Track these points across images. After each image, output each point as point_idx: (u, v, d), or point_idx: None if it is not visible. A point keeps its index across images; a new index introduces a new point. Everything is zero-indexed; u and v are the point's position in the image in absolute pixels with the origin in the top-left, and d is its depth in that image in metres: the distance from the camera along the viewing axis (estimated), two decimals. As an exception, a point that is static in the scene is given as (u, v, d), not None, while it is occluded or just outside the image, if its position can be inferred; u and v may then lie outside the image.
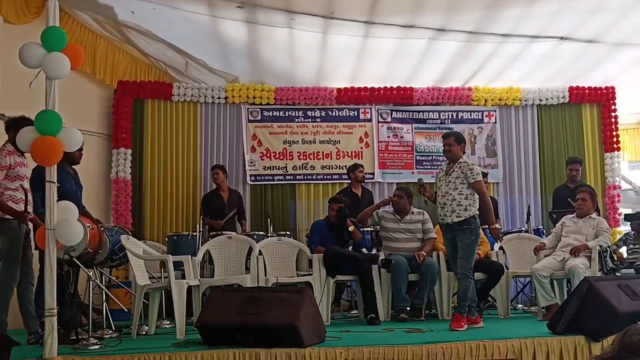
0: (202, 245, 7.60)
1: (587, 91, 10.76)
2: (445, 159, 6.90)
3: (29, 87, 4.64)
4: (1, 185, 5.70)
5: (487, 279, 7.46)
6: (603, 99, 10.84)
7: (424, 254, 7.49)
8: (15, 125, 5.76)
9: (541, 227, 9.35)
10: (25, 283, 5.84)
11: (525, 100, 10.74)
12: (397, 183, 10.26)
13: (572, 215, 7.41)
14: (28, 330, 5.78)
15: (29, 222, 5.76)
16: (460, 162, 6.49)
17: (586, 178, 10.39)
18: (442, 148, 6.76)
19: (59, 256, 4.70)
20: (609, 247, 7.19)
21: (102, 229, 6.16)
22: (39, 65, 4.58)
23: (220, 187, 9.10)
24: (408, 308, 7.29)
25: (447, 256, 6.95)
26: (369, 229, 8.61)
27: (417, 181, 7.28)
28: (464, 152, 6.64)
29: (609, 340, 5.22)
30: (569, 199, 8.14)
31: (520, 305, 8.71)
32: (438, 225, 7.20)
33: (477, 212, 6.45)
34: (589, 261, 6.95)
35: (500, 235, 6.96)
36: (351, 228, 7.80)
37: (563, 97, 10.76)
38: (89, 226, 5.66)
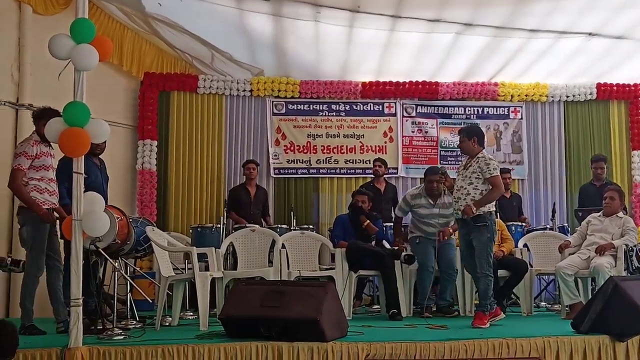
0: (226, 237, 7.65)
1: (615, 88, 10.63)
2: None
3: (57, 78, 4.68)
4: (26, 174, 5.76)
5: (511, 276, 7.42)
6: (631, 95, 10.71)
7: (450, 230, 7.33)
8: (41, 116, 5.82)
9: (566, 224, 9.28)
10: (55, 271, 5.90)
11: (552, 97, 10.64)
12: (420, 178, 10.24)
13: (598, 214, 7.32)
14: (57, 318, 5.83)
15: (50, 219, 5.80)
16: (478, 156, 6.41)
17: (613, 176, 10.28)
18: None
19: (84, 246, 4.75)
20: (634, 246, 7.12)
21: (130, 220, 6.21)
22: (67, 57, 4.60)
23: (249, 182, 9.12)
24: (433, 307, 7.29)
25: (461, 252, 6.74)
26: (391, 224, 8.59)
27: (439, 169, 7.19)
28: (479, 145, 6.49)
29: (633, 341, 5.18)
30: (596, 199, 8.05)
31: (544, 303, 8.65)
32: None
33: (493, 209, 6.40)
34: (615, 260, 6.88)
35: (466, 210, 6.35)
36: (365, 223, 7.78)
37: (590, 94, 10.63)
38: (118, 217, 5.70)
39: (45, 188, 5.81)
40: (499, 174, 6.35)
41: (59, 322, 5.80)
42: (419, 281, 7.33)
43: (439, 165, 7.52)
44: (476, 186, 6.27)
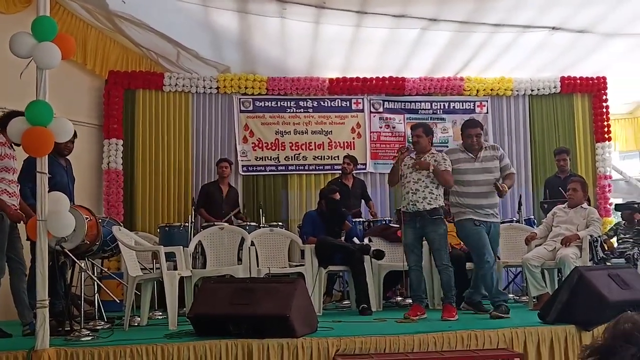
0: (194, 236, 7.61)
1: (578, 81, 10.80)
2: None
3: (19, 77, 4.60)
4: None
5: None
6: (594, 89, 10.88)
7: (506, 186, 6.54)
8: (8, 118, 5.70)
9: (532, 217, 9.40)
10: (18, 274, 5.79)
11: (517, 91, 10.78)
12: (388, 174, 10.30)
13: (563, 206, 7.43)
14: (23, 321, 5.74)
15: (19, 218, 5.69)
16: (432, 152, 6.54)
17: (577, 168, 10.44)
18: (411, 139, 6.71)
19: (50, 245, 4.69)
20: (599, 236, 7.22)
21: (99, 220, 6.13)
22: (29, 55, 4.54)
23: (222, 181, 9.08)
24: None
25: (404, 245, 6.57)
26: (360, 219, 8.63)
27: (406, 144, 7.01)
28: (431, 144, 6.63)
29: (599, 330, 5.25)
30: (560, 189, 8.17)
31: (512, 295, 8.73)
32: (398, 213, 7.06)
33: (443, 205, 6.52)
34: (580, 251, 6.98)
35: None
36: None
37: (555, 87, 10.79)
38: (87, 218, 5.63)
39: (5, 190, 5.70)
40: (450, 170, 6.46)
41: (24, 325, 5.71)
42: (481, 277, 6.57)
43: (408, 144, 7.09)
44: (433, 180, 6.39)
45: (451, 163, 6.49)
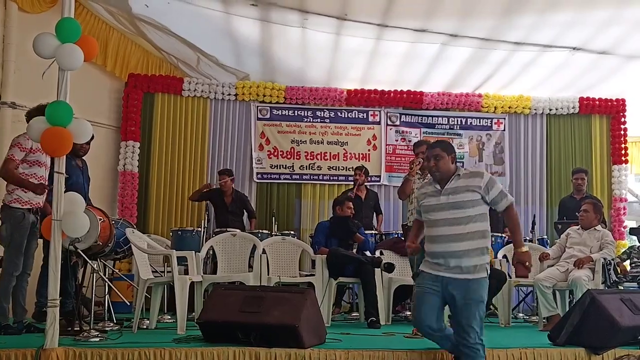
0: (206, 241, 7.63)
1: (597, 102, 10.76)
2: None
3: (41, 77, 4.65)
4: (19, 167, 5.67)
5: (489, 287, 7.43)
6: (613, 110, 10.84)
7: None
8: (39, 112, 5.74)
9: (545, 237, 9.34)
10: (21, 273, 5.83)
11: (535, 109, 10.74)
12: (399, 186, 10.29)
13: (577, 227, 7.39)
14: (15, 318, 5.79)
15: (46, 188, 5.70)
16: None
17: (593, 190, 10.38)
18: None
19: (63, 246, 4.71)
20: (612, 259, 7.17)
21: (113, 222, 6.16)
22: (52, 56, 4.58)
23: (224, 193, 9.11)
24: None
25: (410, 261, 6.58)
26: (372, 232, 8.62)
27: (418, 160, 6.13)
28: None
29: (609, 354, 5.22)
30: (575, 212, 8.12)
31: (522, 315, 8.70)
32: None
33: None
34: (593, 273, 6.94)
35: None
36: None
37: (573, 108, 10.76)
38: (101, 219, 5.65)
39: None
40: None
41: (14, 322, 5.74)
42: None
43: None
44: None
45: (419, 197, 5.06)
